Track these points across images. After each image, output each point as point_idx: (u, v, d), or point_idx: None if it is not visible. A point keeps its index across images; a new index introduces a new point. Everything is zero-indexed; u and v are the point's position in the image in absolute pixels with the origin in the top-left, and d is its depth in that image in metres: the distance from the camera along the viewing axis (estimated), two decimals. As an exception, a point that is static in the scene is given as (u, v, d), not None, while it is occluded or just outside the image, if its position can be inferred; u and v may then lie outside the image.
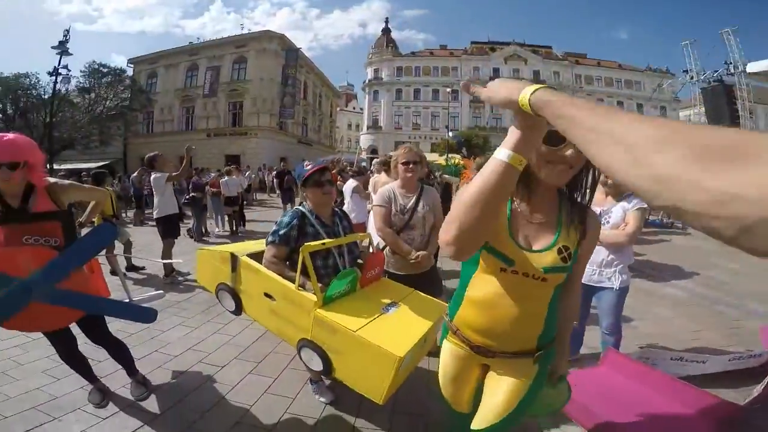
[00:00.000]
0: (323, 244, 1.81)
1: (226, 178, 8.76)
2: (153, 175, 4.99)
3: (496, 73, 39.88)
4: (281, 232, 1.90)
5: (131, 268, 5.33)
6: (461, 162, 12.90)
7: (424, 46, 52.72)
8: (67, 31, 18.17)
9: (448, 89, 36.71)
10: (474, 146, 29.67)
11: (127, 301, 2.19)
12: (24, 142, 1.76)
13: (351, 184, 4.89)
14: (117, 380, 2.43)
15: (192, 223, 7.94)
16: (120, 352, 2.32)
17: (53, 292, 1.69)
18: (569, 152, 0.94)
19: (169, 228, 5.07)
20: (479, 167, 3.51)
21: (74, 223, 1.88)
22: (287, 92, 28.29)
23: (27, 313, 1.66)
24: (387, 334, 1.58)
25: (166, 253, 5.03)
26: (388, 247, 2.40)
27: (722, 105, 15.42)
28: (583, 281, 2.54)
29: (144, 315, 2.02)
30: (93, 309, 1.93)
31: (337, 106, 45.08)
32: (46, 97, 20.21)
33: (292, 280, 1.79)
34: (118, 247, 5.45)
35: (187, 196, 7.90)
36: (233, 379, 2.57)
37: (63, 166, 19.01)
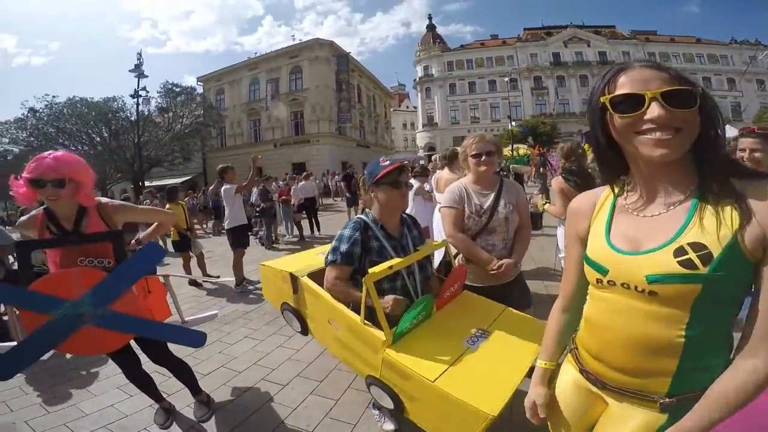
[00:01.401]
0: (390, 267, 1.47)
1: (303, 183, 9.36)
2: (223, 187, 5.14)
3: (556, 58, 37.39)
4: (343, 249, 1.60)
5: (192, 282, 5.49)
6: (528, 151, 12.13)
7: (473, 38, 50.99)
8: (140, 54, 20.09)
9: (506, 78, 34.97)
10: (541, 134, 27.82)
11: (180, 322, 2.10)
12: (69, 158, 1.71)
13: (413, 184, 4.55)
14: (183, 399, 2.40)
15: (263, 231, 8.25)
16: (182, 373, 2.26)
17: (104, 315, 1.64)
18: (656, 113, 0.71)
19: (238, 238, 5.17)
20: (567, 155, 2.99)
21: (124, 244, 1.81)
22: (342, 97, 28.78)
23: (79, 336, 1.63)
24: (474, 381, 1.24)
25: (237, 263, 5.14)
26: (460, 256, 2.01)
27: None
28: None
29: (193, 339, 1.91)
30: (141, 332, 1.85)
31: (390, 106, 45.20)
32: (132, 118, 22.30)
33: (358, 303, 1.53)
34: (192, 259, 5.71)
35: (258, 208, 8.18)
36: (295, 399, 2.44)
37: (153, 183, 21.26)
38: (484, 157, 1.94)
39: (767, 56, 18.58)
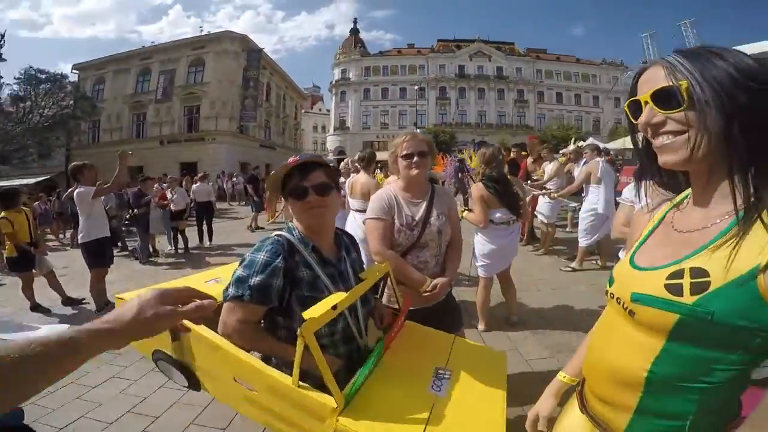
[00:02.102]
0: (334, 308, 1.03)
1: (197, 185, 8.13)
2: (77, 190, 4.09)
3: (461, 70, 40.74)
4: (254, 282, 1.10)
5: (68, 301, 4.45)
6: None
7: (392, 46, 53.49)
8: (2, 36, 16.30)
9: (416, 87, 37.18)
10: (441, 143, 29.96)
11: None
12: None
13: None
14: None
15: (137, 242, 6.87)
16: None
17: None
18: (643, 118, 0.67)
19: (97, 255, 4.14)
20: (488, 161, 2.98)
21: None
22: (248, 95, 27.17)
23: None
24: None
25: (95, 285, 4.15)
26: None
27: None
28: None
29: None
30: None
31: (302, 108, 44.10)
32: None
33: (274, 354, 1.16)
34: (40, 280, 4.49)
35: (128, 215, 6.82)
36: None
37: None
38: (416, 158, 1.67)
39: (628, 77, 22.71)
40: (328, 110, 48.47)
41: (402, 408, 1.06)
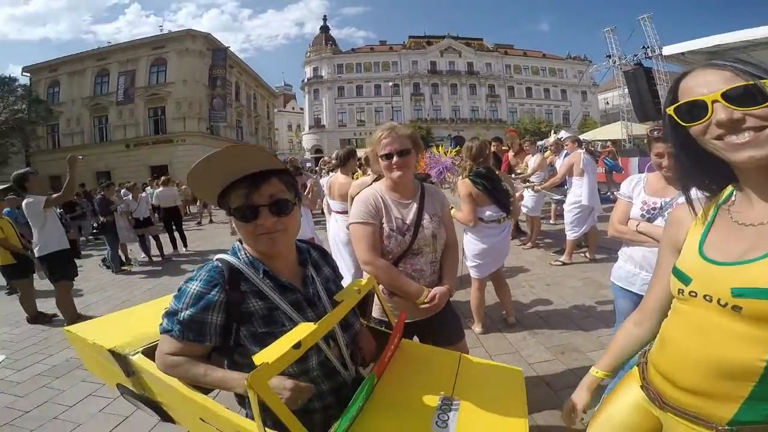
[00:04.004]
0: (296, 347, 0.80)
1: (161, 189, 7.90)
2: (25, 200, 3.74)
3: (433, 66, 41.13)
4: (185, 317, 0.90)
5: (36, 319, 4.11)
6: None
7: (365, 43, 53.69)
8: None
9: (390, 83, 37.29)
10: (418, 138, 30.30)
11: None
12: None
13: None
14: None
15: (108, 251, 6.45)
16: None
17: None
18: (720, 116, 0.65)
19: (59, 268, 3.83)
20: (475, 157, 2.80)
21: None
22: (216, 94, 26.33)
23: None
24: None
25: (62, 300, 3.89)
26: (381, 287, 1.49)
27: (644, 87, 16.34)
28: (635, 290, 1.91)
29: None
30: None
31: (274, 107, 43.32)
32: None
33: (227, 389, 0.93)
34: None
35: (96, 224, 6.41)
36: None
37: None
38: (396, 159, 1.46)
39: (595, 71, 22.86)
40: (302, 109, 48.04)
41: None
